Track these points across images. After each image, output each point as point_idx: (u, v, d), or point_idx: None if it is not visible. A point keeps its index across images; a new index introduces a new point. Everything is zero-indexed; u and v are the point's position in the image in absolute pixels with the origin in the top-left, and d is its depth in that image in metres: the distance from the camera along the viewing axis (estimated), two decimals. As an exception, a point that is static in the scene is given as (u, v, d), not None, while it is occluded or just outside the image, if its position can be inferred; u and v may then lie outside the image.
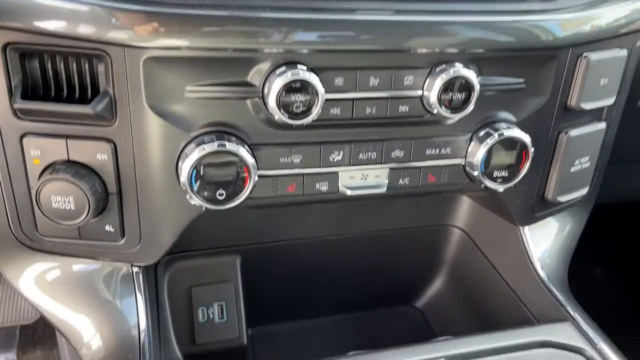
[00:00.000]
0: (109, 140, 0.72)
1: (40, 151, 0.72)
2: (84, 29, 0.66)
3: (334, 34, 0.72)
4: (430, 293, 1.22)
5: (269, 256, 1.08)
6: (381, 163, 0.81)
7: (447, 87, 0.76)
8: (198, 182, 0.72)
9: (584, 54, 0.84)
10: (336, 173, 0.80)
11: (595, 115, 0.93)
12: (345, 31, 0.72)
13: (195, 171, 0.72)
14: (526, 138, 0.82)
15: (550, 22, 0.79)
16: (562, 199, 0.94)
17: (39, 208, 0.73)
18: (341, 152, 0.79)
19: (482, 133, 0.83)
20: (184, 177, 0.72)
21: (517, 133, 0.82)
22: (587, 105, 0.87)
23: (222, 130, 0.74)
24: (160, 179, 0.74)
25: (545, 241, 1.01)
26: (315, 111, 0.72)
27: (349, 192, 0.81)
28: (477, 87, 0.76)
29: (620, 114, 0.98)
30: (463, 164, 0.85)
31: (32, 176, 0.73)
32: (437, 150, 0.83)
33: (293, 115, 0.72)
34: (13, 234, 0.78)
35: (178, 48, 0.68)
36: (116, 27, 0.66)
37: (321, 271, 1.13)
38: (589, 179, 0.97)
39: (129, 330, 0.79)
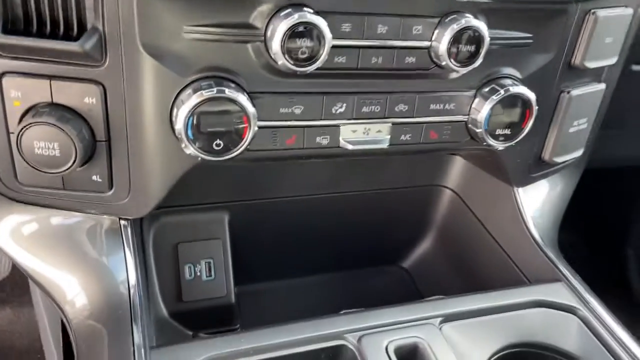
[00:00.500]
0: (97, 83, 0.67)
1: (22, 92, 0.66)
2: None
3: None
4: (417, 253, 1.22)
5: (257, 213, 1.05)
6: (384, 117, 0.79)
7: (456, 38, 0.73)
8: (194, 131, 0.68)
9: (592, 10, 0.82)
10: (338, 126, 0.77)
11: (595, 75, 0.92)
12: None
13: (191, 119, 0.68)
14: (531, 95, 0.81)
15: (562, -25, 0.77)
16: (559, 159, 0.94)
17: (20, 154, 0.68)
18: (344, 105, 0.76)
19: (487, 89, 0.81)
20: (179, 125, 0.68)
21: (522, 90, 0.80)
22: (591, 64, 0.86)
23: (220, 76, 0.70)
24: (154, 127, 0.70)
25: (537, 203, 1.00)
26: (321, 58, 0.68)
27: (350, 147, 0.78)
28: (487, 39, 0.74)
29: (618, 76, 0.97)
30: (466, 120, 0.83)
31: (12, 119, 0.67)
32: (441, 106, 0.80)
33: (297, 62, 0.68)
34: (-10, 182, 0.72)
35: None
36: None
37: (310, 230, 1.10)
38: (584, 140, 0.97)
39: (117, 286, 0.76)
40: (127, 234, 0.79)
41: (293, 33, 0.66)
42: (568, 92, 0.88)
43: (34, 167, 0.69)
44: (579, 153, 0.97)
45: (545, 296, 0.85)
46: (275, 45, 0.67)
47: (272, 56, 0.68)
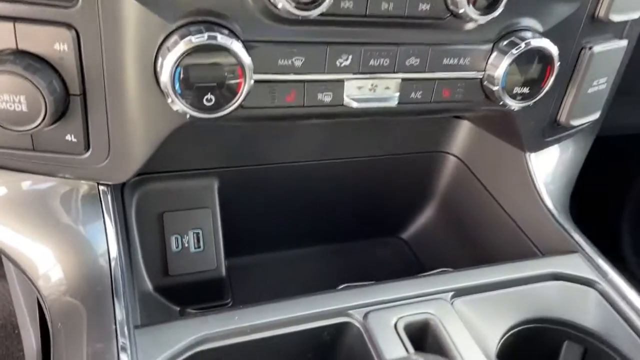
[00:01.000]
0: (69, 26, 0.58)
1: (-20, 37, 0.57)
2: None
3: None
4: (418, 224, 1.16)
5: (249, 180, 0.97)
6: (393, 72, 0.71)
7: None
8: (182, 84, 0.60)
9: (621, -44, 0.74)
10: (342, 81, 0.70)
11: (618, 31, 0.86)
12: None
13: (178, 70, 0.60)
14: (554, 50, 0.74)
15: None
16: (575, 122, 0.87)
17: (-20, 109, 0.59)
18: (350, 57, 0.68)
19: (505, 42, 0.74)
20: (165, 77, 0.60)
21: (545, 43, 0.73)
22: (616, 17, 0.80)
23: (211, 21, 0.61)
24: (135, 79, 0.62)
25: (549, 170, 0.94)
26: (326, 1, 0.60)
27: (355, 105, 0.71)
28: None
29: (638, 33, 0.90)
30: (481, 77, 0.76)
31: (-29, 68, 0.58)
32: (456, 60, 0.73)
33: (299, 5, 0.60)
34: (-53, 142, 0.63)
35: None
36: None
37: (305, 199, 1.04)
38: (602, 102, 0.91)
39: (96, 259, 0.68)
40: (107, 200, 0.71)
41: (294, -30, 0.58)
42: (590, 48, 0.81)
43: (-3, 124, 0.60)
44: (595, 116, 0.91)
45: (561, 268, 0.80)
46: (275, -15, 0.58)
47: (271, -2, 0.60)
